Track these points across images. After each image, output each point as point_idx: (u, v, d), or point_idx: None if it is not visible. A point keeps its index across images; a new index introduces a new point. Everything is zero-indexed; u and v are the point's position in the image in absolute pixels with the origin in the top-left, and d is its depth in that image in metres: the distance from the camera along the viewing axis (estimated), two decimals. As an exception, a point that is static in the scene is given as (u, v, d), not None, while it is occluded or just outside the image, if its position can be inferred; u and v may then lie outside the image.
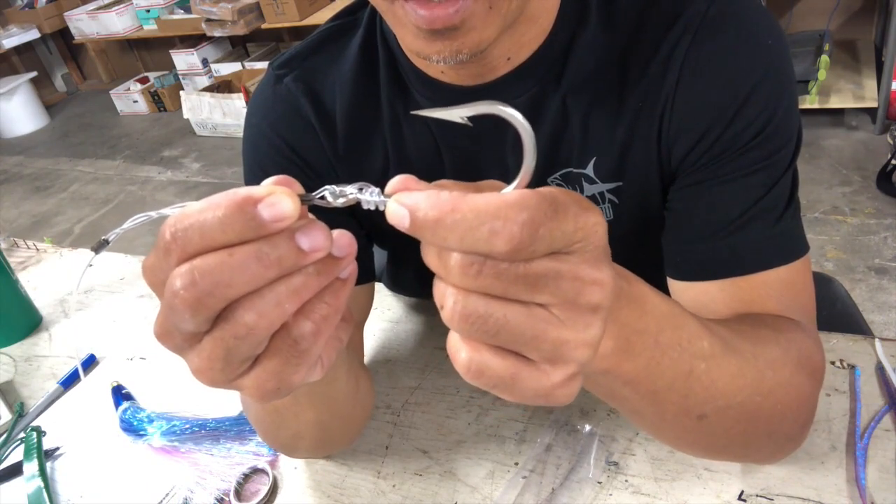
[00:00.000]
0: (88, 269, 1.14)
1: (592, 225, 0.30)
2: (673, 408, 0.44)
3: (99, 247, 0.33)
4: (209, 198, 0.28)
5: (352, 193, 0.30)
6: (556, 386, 0.31)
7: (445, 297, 0.30)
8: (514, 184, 0.30)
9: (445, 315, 0.30)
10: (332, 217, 0.30)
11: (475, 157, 0.62)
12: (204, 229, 0.28)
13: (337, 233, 0.30)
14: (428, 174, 0.60)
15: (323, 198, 0.31)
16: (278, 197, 0.28)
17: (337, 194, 0.30)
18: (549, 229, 0.28)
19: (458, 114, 0.30)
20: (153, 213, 0.32)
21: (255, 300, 0.29)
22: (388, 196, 0.29)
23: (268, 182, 0.30)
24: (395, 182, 0.30)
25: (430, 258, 0.30)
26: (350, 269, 0.32)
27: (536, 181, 0.62)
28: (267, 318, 0.29)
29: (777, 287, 0.55)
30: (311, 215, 0.31)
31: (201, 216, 0.28)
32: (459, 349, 0.31)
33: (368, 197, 0.30)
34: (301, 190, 0.30)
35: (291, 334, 0.31)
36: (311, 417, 0.58)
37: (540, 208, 0.28)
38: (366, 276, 0.67)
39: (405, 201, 0.28)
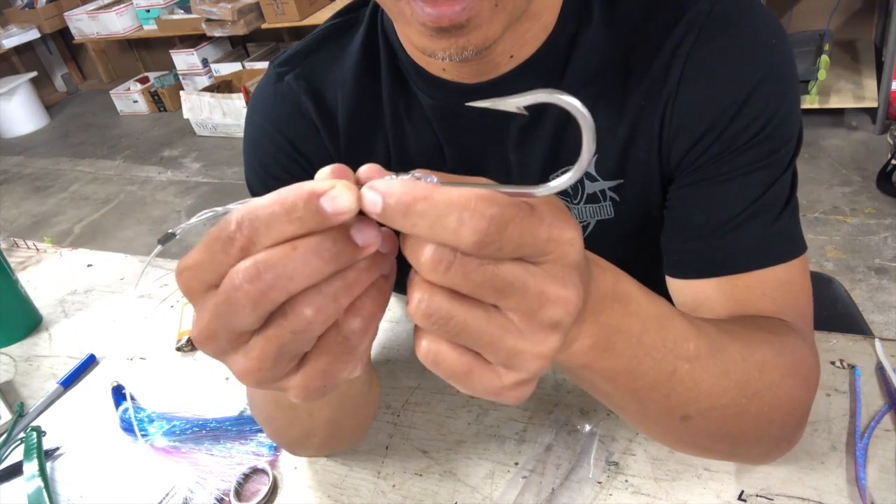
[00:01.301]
0: (88, 268, 1.14)
1: (568, 240, 0.30)
2: (655, 406, 0.44)
3: (165, 239, 0.33)
4: (276, 192, 0.28)
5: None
6: (507, 388, 0.32)
7: (413, 292, 0.30)
8: (572, 172, 0.29)
9: (410, 309, 0.30)
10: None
11: (477, 154, 0.62)
12: (272, 222, 0.28)
13: (383, 230, 0.31)
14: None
15: None
16: (340, 190, 0.28)
17: None
18: (518, 229, 0.28)
19: (514, 103, 0.30)
20: (220, 209, 0.32)
21: (313, 295, 0.29)
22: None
23: (324, 172, 0.30)
24: (364, 170, 0.30)
25: (405, 249, 0.30)
26: (392, 265, 0.32)
27: (537, 179, 0.62)
28: (324, 312, 0.29)
29: (773, 286, 0.55)
30: None
31: (270, 209, 0.28)
32: (421, 337, 0.32)
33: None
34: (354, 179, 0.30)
35: (342, 331, 0.31)
36: (325, 415, 0.58)
37: (511, 207, 0.28)
38: None
39: (379, 187, 0.28)
